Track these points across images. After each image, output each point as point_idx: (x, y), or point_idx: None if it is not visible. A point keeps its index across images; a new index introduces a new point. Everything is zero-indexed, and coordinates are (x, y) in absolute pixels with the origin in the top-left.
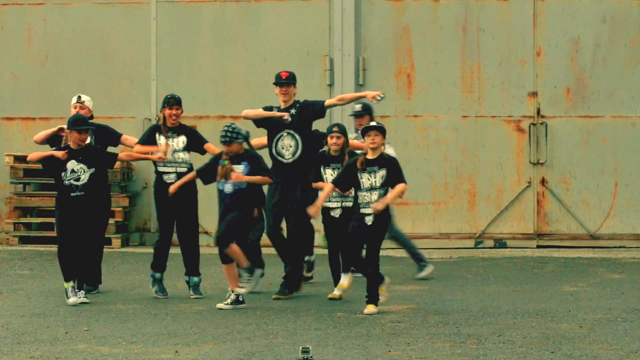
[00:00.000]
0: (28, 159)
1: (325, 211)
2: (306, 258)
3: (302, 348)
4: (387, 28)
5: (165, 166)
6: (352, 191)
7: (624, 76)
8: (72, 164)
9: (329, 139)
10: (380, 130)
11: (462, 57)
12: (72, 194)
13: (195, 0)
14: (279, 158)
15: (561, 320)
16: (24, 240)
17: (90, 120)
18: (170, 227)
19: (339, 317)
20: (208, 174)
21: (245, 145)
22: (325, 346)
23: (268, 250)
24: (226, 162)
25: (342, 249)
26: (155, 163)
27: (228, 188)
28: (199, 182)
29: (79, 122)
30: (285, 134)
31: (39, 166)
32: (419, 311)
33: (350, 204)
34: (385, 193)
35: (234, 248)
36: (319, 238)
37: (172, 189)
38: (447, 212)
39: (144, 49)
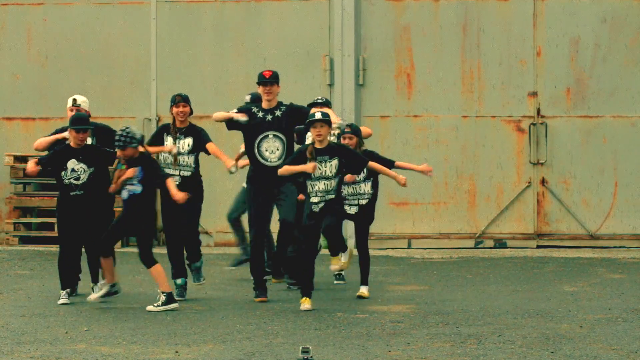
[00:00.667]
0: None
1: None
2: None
3: (302, 348)
4: (387, 28)
5: (169, 168)
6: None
7: (624, 76)
8: (72, 163)
9: (341, 139)
10: (327, 122)
11: (462, 57)
12: (71, 193)
13: (195, 0)
14: (263, 161)
15: (561, 320)
16: (24, 240)
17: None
18: (176, 228)
19: (339, 317)
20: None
21: (140, 149)
22: (325, 346)
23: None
24: (123, 166)
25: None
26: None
27: (123, 194)
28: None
29: (78, 122)
30: (270, 135)
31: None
32: (419, 311)
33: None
34: (340, 181)
35: (109, 262)
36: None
37: (181, 200)
38: (447, 212)
39: (144, 49)
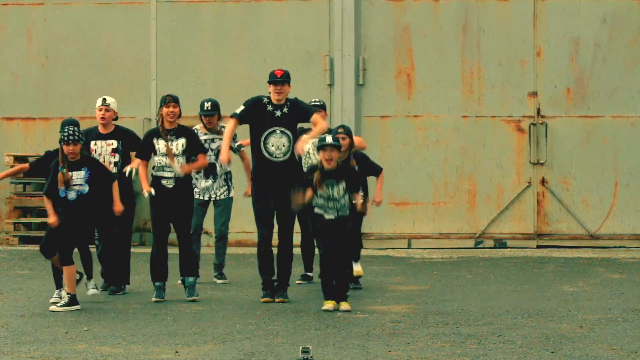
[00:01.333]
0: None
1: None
2: None
3: (302, 348)
4: (387, 28)
5: (163, 170)
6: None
7: (624, 76)
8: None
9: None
10: (337, 147)
11: (462, 57)
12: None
13: (195, 0)
14: (267, 156)
15: (561, 320)
16: (24, 240)
17: (114, 122)
18: (166, 232)
19: (339, 317)
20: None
21: (83, 151)
22: (325, 346)
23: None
24: (64, 169)
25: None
26: (152, 167)
27: (71, 195)
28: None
29: (63, 129)
30: (278, 131)
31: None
32: (419, 311)
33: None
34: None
35: (72, 270)
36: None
37: (118, 212)
38: (447, 212)
39: (144, 49)
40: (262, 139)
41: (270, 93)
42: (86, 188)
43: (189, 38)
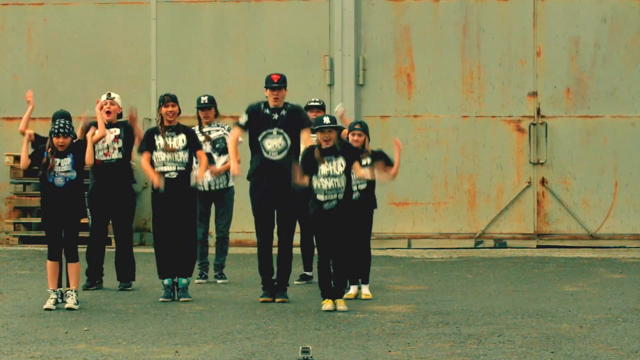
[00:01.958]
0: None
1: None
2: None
3: (302, 348)
4: (387, 28)
5: (165, 165)
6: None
7: (624, 76)
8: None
9: (350, 135)
10: (335, 128)
11: (462, 57)
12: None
13: (195, 0)
14: (265, 154)
15: (561, 320)
16: (24, 240)
17: (119, 119)
18: (166, 229)
19: (339, 317)
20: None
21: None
22: (325, 346)
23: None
24: (50, 156)
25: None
26: (152, 162)
27: (59, 181)
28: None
29: (54, 121)
30: (274, 132)
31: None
32: (418, 311)
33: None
34: (349, 182)
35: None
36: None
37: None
38: (447, 212)
39: (144, 49)
40: (260, 139)
41: (267, 97)
42: (74, 174)
43: (189, 38)
